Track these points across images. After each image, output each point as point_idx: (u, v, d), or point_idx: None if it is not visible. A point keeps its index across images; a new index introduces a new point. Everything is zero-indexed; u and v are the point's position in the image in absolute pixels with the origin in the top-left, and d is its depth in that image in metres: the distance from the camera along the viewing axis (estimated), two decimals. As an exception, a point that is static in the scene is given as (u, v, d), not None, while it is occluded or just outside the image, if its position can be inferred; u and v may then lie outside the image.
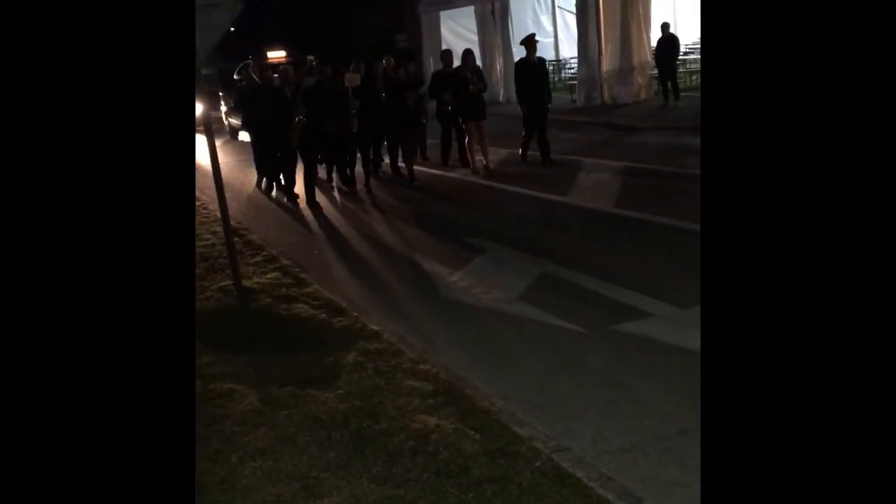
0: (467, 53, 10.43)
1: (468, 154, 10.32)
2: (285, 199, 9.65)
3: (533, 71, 10.28)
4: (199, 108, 6.03)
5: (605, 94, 15.31)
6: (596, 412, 3.68)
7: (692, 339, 4.34)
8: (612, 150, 10.88)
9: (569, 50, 20.14)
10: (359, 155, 10.34)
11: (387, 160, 10.97)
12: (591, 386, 3.96)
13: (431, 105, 11.21)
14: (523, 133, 10.65)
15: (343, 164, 10.11)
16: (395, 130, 10.34)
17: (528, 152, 10.65)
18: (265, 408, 3.86)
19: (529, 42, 10.43)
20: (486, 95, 10.53)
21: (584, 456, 3.29)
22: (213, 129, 6.17)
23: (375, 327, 4.87)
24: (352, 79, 9.84)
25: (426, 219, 8.20)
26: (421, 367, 4.20)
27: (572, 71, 19.21)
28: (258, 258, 6.87)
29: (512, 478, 3.07)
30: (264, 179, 10.70)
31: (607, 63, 15.08)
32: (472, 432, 3.45)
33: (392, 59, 11.19)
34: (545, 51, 9.98)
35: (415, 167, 10.35)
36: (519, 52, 11.59)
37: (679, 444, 3.31)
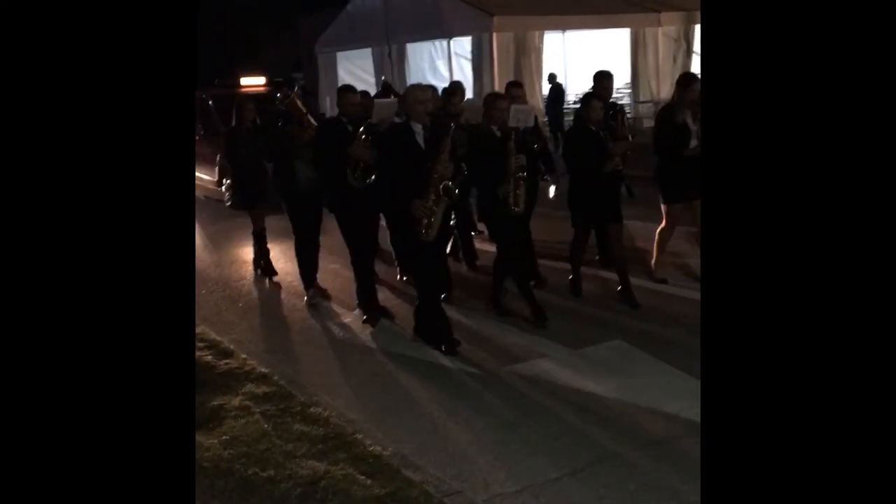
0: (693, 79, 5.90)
1: (657, 250, 6.20)
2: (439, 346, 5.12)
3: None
4: None
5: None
6: (488, 454, 3.67)
7: (582, 379, 4.43)
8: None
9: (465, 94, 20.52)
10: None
11: None
12: (483, 427, 3.95)
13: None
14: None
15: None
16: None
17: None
18: (143, 456, 3.65)
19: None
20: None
21: (476, 499, 3.26)
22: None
23: (264, 369, 4.72)
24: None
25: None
26: (311, 410, 4.09)
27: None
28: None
29: (403, 524, 3.00)
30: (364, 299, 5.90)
31: (501, 109, 15.45)
32: (363, 478, 3.36)
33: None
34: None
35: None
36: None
37: (569, 485, 3.34)
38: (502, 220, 5.42)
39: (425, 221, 4.82)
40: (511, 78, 15.16)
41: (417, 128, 4.91)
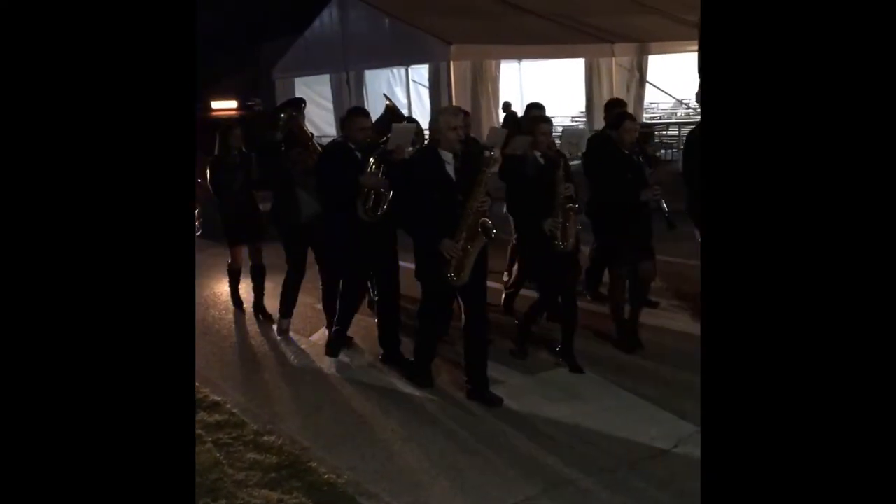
0: None
1: None
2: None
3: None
4: None
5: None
6: (444, 480, 3.64)
7: (538, 405, 4.44)
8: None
9: (423, 122, 20.66)
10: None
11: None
12: (439, 454, 3.92)
13: None
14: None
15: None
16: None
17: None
18: (89, 488, 3.54)
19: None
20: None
21: (432, 527, 3.23)
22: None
23: (217, 397, 4.64)
24: (497, 136, 5.68)
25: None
26: (265, 438, 4.02)
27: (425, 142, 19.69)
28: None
29: (357, 553, 2.95)
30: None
31: (458, 136, 15.57)
32: (317, 507, 3.31)
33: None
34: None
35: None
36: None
37: (525, 511, 3.33)
38: (546, 258, 4.89)
39: (455, 263, 4.32)
40: (468, 105, 15.38)
41: (447, 156, 4.37)
